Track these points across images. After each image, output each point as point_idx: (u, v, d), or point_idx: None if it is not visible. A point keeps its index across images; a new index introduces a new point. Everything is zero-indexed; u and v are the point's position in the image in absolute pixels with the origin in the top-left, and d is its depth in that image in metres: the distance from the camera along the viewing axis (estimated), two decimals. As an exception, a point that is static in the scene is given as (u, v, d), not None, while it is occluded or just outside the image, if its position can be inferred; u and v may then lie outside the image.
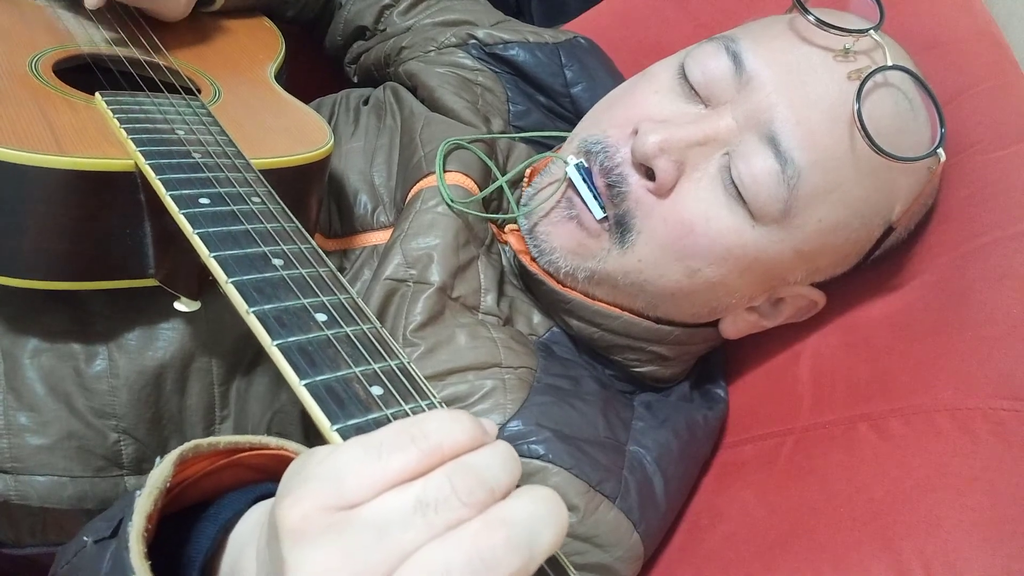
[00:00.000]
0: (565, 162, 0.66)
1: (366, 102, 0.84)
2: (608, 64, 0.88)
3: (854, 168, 0.61)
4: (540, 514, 0.29)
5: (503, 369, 0.64)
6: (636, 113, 0.65)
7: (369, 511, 0.28)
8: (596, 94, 0.82)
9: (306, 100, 0.74)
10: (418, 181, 0.71)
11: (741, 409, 0.77)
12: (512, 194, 0.74)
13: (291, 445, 0.41)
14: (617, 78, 0.86)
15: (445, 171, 0.70)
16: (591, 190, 0.65)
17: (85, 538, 0.40)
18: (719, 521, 0.68)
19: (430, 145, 0.73)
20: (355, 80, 0.95)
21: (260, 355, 0.64)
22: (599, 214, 0.65)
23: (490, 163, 0.74)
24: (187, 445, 0.39)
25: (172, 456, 0.39)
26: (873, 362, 0.68)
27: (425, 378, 0.62)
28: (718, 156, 0.63)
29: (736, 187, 0.61)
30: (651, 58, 0.73)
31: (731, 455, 0.75)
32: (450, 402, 0.63)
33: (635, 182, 0.64)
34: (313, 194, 0.63)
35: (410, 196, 0.71)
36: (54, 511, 0.61)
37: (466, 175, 0.71)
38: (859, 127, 0.59)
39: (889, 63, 0.61)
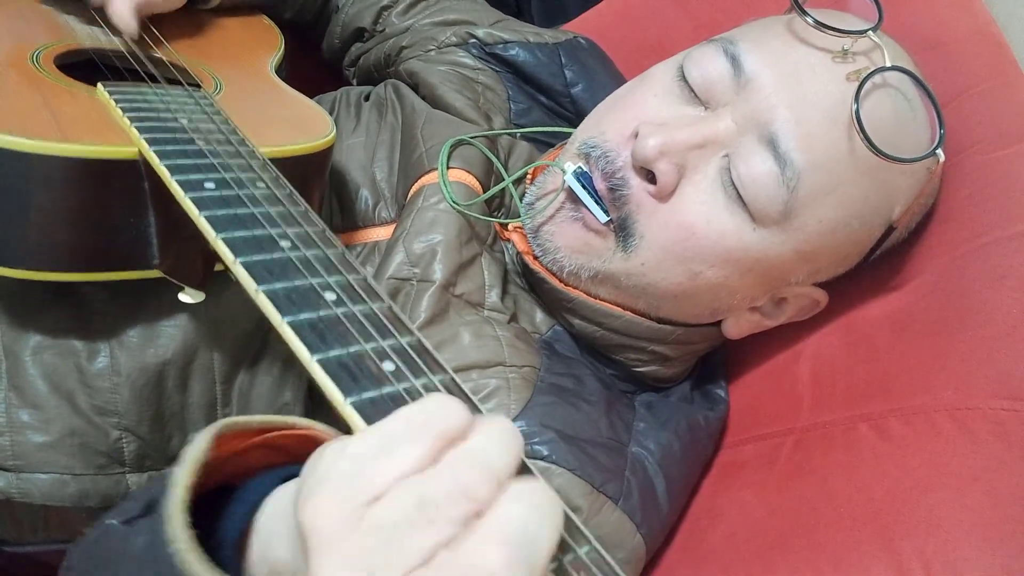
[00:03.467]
0: (563, 170, 0.66)
1: (367, 98, 0.84)
2: (608, 64, 0.88)
3: (853, 169, 0.61)
4: (535, 518, 0.29)
5: (507, 368, 0.64)
6: (635, 115, 0.65)
7: (380, 512, 0.29)
8: (596, 94, 0.82)
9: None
10: (419, 177, 0.71)
11: (741, 409, 0.77)
12: (516, 191, 0.74)
13: (318, 426, 0.42)
14: (617, 78, 0.86)
15: (447, 167, 0.71)
16: (592, 195, 0.65)
17: (109, 521, 0.40)
18: (719, 521, 0.68)
19: (431, 141, 0.73)
20: (354, 83, 0.95)
21: (262, 353, 0.64)
22: (603, 218, 0.65)
23: (494, 158, 0.74)
24: (224, 421, 0.40)
25: (210, 431, 0.39)
26: (873, 362, 0.68)
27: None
28: (718, 158, 0.63)
29: (736, 189, 0.62)
30: (651, 58, 0.73)
31: (731, 455, 0.75)
32: None
33: (636, 185, 0.64)
34: (314, 186, 0.63)
35: (411, 193, 0.71)
36: (56, 508, 0.61)
37: (468, 172, 0.71)
38: (857, 128, 0.59)
39: (888, 64, 0.61)
